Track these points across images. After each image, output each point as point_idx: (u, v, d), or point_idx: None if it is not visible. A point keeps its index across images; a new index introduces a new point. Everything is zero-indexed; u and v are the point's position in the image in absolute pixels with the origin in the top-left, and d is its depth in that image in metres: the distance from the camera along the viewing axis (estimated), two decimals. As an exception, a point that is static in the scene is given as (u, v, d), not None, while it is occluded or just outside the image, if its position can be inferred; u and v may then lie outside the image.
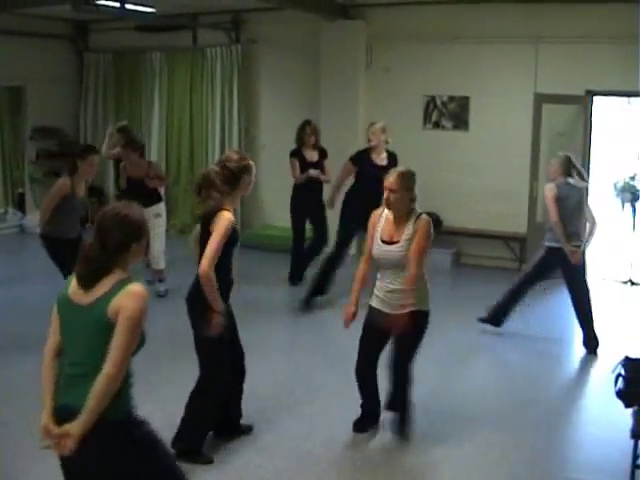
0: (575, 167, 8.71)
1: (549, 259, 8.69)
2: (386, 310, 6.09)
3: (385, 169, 7.06)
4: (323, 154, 11.02)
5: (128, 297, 3.79)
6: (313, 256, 11.19)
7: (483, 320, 9.21)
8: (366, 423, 6.57)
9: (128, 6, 11.66)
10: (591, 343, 8.71)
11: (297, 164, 10.87)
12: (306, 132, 10.95)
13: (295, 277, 11.27)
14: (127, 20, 14.09)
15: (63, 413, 3.82)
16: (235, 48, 14.26)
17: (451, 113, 12.69)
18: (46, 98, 15.55)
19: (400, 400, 6.39)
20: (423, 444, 6.32)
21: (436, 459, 6.14)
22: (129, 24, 14.70)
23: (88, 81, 16.14)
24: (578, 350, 8.76)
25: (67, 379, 3.89)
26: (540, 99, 11.69)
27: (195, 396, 5.98)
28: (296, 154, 10.91)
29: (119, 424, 3.86)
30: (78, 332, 3.86)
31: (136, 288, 3.84)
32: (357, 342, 6.36)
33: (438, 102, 12.75)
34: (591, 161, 12.17)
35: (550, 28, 11.65)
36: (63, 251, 8.07)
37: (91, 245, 3.89)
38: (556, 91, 11.56)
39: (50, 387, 3.93)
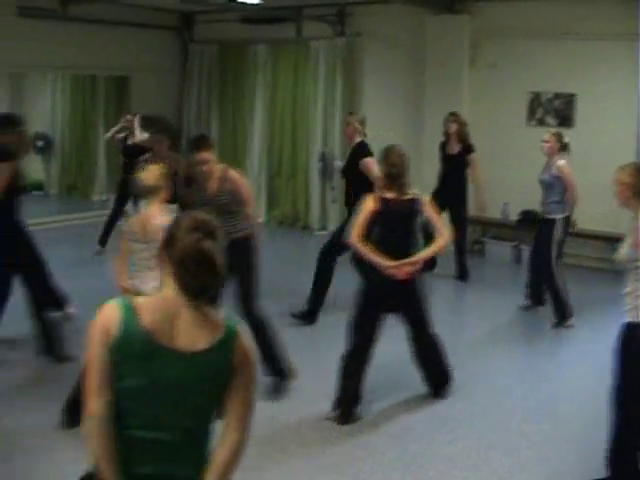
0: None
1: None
2: None
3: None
4: (466, 148, 10.98)
5: (246, 339, 3.05)
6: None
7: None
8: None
9: (235, -3, 11.77)
10: None
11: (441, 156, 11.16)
12: (447, 123, 11.06)
13: (465, 274, 11.28)
14: (232, 12, 14.21)
15: None
16: (339, 41, 14.26)
17: (556, 110, 12.48)
18: (150, 88, 15.79)
19: None
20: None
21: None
22: (234, 16, 14.84)
23: (192, 72, 16.33)
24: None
25: (150, 445, 2.96)
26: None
27: None
28: (441, 147, 11.17)
29: None
30: (180, 385, 2.92)
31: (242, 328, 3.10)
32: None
33: (543, 99, 12.56)
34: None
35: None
36: None
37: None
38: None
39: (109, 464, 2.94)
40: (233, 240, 6.59)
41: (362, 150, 9.09)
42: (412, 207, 6.62)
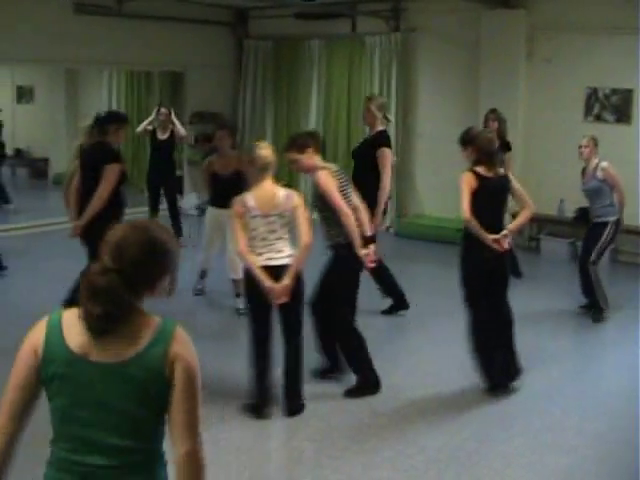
0: None
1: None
2: None
3: None
4: (504, 146, 10.89)
5: (185, 345, 2.77)
6: None
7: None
8: None
9: (290, -7, 11.78)
10: None
11: None
12: (487, 121, 10.96)
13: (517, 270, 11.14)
14: (287, 7, 14.22)
15: None
16: (394, 36, 14.20)
17: (614, 106, 12.32)
18: (205, 83, 15.87)
19: None
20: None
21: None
22: (289, 11, 14.84)
23: (247, 67, 16.36)
24: None
25: (87, 470, 2.72)
26: None
27: None
28: None
29: None
30: (107, 402, 2.70)
31: (183, 331, 2.81)
32: None
33: (600, 94, 12.41)
34: None
35: None
36: None
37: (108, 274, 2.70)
38: None
39: None
40: (330, 246, 6.92)
41: (383, 139, 9.01)
42: (504, 183, 7.05)
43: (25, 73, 17.94)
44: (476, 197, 6.79)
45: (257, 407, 6.52)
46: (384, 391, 6.88)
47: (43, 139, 18.88)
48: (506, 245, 6.92)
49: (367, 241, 6.93)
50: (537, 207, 12.31)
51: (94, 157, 7.94)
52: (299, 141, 6.90)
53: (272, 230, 6.33)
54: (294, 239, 6.43)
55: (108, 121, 8.13)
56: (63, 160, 17.85)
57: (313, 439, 6.15)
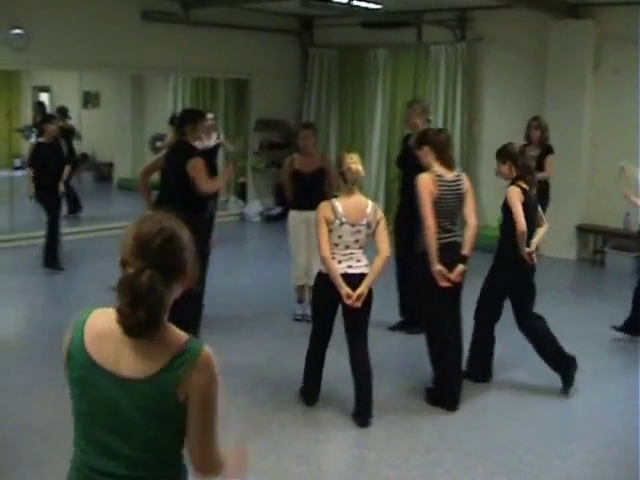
0: None
1: None
2: None
3: None
4: (546, 150, 10.82)
5: (205, 371, 2.67)
6: None
7: (618, 328, 8.97)
8: None
9: (355, 2, 11.77)
10: None
11: None
12: (530, 129, 10.88)
13: None
14: (352, 16, 14.24)
15: None
16: (460, 46, 14.16)
17: (682, 118, 12.18)
18: (270, 91, 15.96)
19: None
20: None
21: None
22: (354, 20, 14.87)
23: (312, 76, 16.41)
24: None
25: (101, 477, 2.73)
26: None
27: None
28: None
29: None
30: (120, 413, 2.67)
31: (209, 355, 2.70)
32: None
33: (668, 107, 12.26)
34: None
35: None
36: None
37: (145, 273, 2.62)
38: None
39: None
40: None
41: None
42: (536, 197, 7.26)
43: (92, 78, 18.11)
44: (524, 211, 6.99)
45: (307, 396, 6.82)
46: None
47: (108, 144, 19.05)
48: (533, 258, 7.16)
49: (459, 260, 6.83)
50: (602, 220, 12.37)
51: (175, 158, 8.03)
52: (420, 138, 7.03)
53: (356, 239, 6.43)
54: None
55: (184, 121, 8.19)
56: (127, 165, 18.13)
57: (374, 448, 6.13)
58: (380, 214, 6.51)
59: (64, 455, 5.47)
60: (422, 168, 6.97)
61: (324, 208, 6.43)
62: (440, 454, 6.05)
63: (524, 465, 5.95)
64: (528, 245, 7.05)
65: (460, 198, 6.84)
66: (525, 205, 6.98)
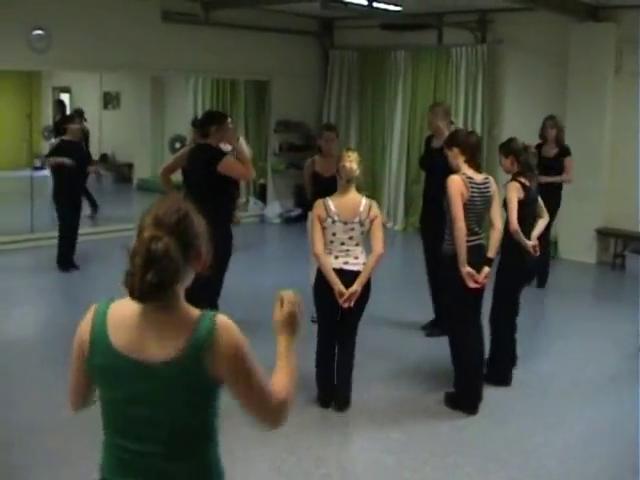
0: None
1: None
2: None
3: None
4: (563, 151, 10.77)
5: (226, 335, 2.71)
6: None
7: None
8: None
9: (376, 4, 11.76)
10: None
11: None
12: (546, 128, 10.89)
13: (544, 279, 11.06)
14: (372, 18, 14.23)
15: None
16: (480, 48, 14.15)
17: None
18: (290, 92, 15.96)
19: None
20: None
21: None
22: (374, 22, 14.87)
23: (332, 77, 16.44)
24: None
25: (135, 458, 2.79)
26: None
27: None
28: (537, 149, 10.72)
29: None
30: (148, 397, 2.73)
31: (224, 321, 2.75)
32: None
33: (690, 110, 12.20)
34: None
35: None
36: None
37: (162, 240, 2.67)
38: None
39: None
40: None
41: None
42: (537, 189, 7.47)
43: (112, 79, 18.14)
44: (521, 207, 7.16)
45: (323, 399, 6.86)
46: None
47: (128, 145, 19.10)
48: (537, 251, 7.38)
49: (485, 262, 6.81)
50: (623, 223, 12.31)
51: (197, 159, 8.04)
52: (451, 139, 7.04)
53: (350, 237, 6.54)
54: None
55: (207, 123, 8.19)
56: (147, 166, 18.15)
57: (393, 451, 6.11)
58: (375, 212, 6.58)
59: (83, 455, 5.52)
60: (446, 169, 6.97)
61: (318, 207, 6.59)
62: (460, 458, 6.03)
63: (544, 470, 5.93)
64: (529, 238, 7.26)
65: (488, 201, 6.81)
66: (524, 200, 7.20)
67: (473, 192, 6.65)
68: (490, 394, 7.09)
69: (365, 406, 6.86)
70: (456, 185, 6.61)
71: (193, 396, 2.71)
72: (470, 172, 6.74)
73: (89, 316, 2.81)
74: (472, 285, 6.64)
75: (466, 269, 6.59)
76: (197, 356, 2.65)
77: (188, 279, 2.77)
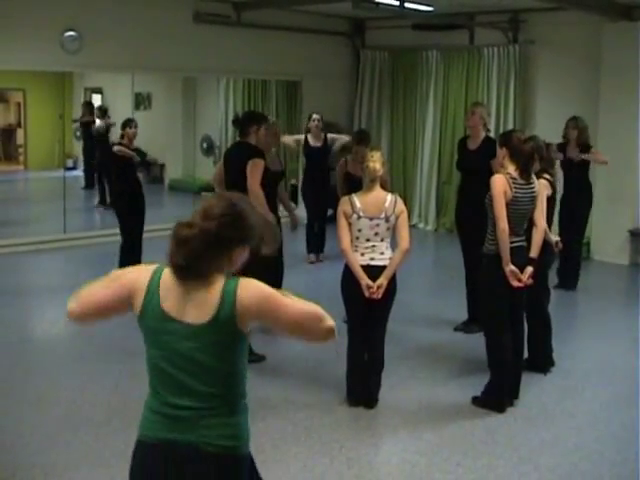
0: None
1: None
2: None
3: None
4: (585, 149, 10.72)
5: (247, 291, 3.07)
6: None
7: None
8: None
9: (407, 4, 11.75)
10: None
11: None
12: (568, 129, 10.88)
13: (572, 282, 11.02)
14: (404, 18, 14.20)
15: (182, 450, 3.08)
16: (512, 48, 14.10)
17: None
18: (322, 93, 15.93)
19: None
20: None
21: None
22: (406, 22, 14.82)
23: (364, 78, 16.43)
24: None
25: (179, 412, 3.09)
26: None
27: None
28: (559, 149, 10.67)
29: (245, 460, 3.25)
30: (192, 356, 3.08)
31: (244, 281, 3.12)
32: None
33: None
34: None
35: None
36: None
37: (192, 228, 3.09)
38: None
39: None
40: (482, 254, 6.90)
41: (494, 148, 7.94)
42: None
43: (143, 80, 18.19)
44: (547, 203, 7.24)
45: (354, 398, 6.86)
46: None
47: (160, 145, 19.13)
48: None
49: (528, 262, 6.78)
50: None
51: (236, 157, 8.04)
52: (503, 138, 7.01)
53: (376, 232, 6.60)
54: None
55: (247, 122, 8.19)
56: (179, 166, 18.19)
57: (425, 453, 6.09)
58: (401, 207, 6.66)
59: (116, 452, 5.55)
60: (484, 171, 6.97)
61: (343, 203, 6.69)
62: (493, 460, 6.00)
63: (578, 472, 5.89)
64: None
65: (533, 201, 6.75)
66: (552, 196, 7.50)
67: (517, 192, 6.58)
68: (524, 395, 7.06)
69: (397, 406, 6.86)
70: (499, 184, 6.54)
71: (226, 352, 3.09)
72: (514, 173, 6.64)
73: (150, 269, 3.18)
74: (515, 284, 6.60)
75: (510, 267, 6.54)
76: (227, 315, 3.03)
77: (231, 264, 3.14)
